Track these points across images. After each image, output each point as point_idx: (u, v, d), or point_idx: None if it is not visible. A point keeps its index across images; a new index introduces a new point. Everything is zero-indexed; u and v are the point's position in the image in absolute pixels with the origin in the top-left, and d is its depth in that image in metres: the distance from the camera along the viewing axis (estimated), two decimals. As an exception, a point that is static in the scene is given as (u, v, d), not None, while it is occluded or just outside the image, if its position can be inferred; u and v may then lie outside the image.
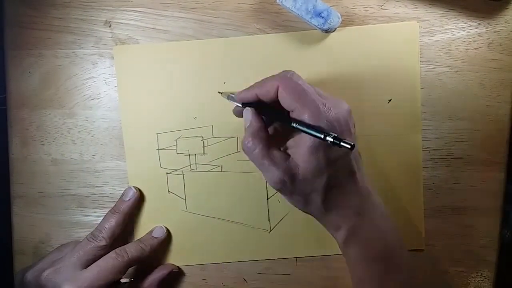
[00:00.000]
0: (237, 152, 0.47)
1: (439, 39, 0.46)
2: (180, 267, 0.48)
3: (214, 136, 0.47)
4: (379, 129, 0.46)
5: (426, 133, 0.46)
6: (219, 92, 0.43)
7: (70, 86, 0.47)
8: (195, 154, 0.47)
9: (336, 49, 0.46)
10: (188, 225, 0.47)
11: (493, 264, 0.47)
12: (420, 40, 0.46)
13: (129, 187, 0.46)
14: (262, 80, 0.38)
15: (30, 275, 0.42)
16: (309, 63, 0.46)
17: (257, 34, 0.46)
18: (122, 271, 0.42)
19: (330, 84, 0.46)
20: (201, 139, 0.47)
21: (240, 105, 0.40)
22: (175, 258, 0.48)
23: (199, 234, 0.47)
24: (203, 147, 0.47)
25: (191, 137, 0.47)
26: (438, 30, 0.46)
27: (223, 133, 0.47)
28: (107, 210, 0.46)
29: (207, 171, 0.47)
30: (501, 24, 0.45)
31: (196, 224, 0.47)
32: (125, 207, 0.45)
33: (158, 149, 0.47)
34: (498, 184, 0.47)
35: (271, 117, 0.39)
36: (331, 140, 0.33)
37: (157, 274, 0.45)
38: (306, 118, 0.34)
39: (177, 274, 0.48)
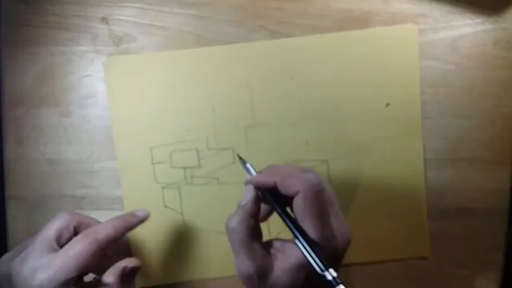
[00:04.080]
0: (233, 163, 0.46)
1: (445, 36, 0.45)
2: (179, 283, 0.47)
3: (209, 148, 0.46)
4: (377, 134, 0.45)
5: (431, 132, 0.45)
6: (237, 155, 0.40)
7: (66, 84, 0.46)
8: (190, 167, 0.46)
9: (333, 52, 0.45)
10: (186, 239, 0.46)
11: (500, 267, 0.46)
12: (426, 37, 0.45)
13: (145, 209, 0.42)
14: (287, 172, 0.34)
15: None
16: (307, 67, 0.45)
17: (249, 42, 0.45)
18: (102, 251, 0.37)
19: (328, 88, 0.45)
20: (196, 151, 0.46)
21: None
22: (173, 273, 0.46)
23: (197, 248, 0.46)
24: (199, 159, 0.46)
25: (186, 150, 0.46)
26: (443, 27, 0.45)
27: (218, 144, 0.46)
28: (104, 211, 0.45)
29: (204, 184, 0.46)
30: (508, 21, 0.45)
31: (194, 238, 0.46)
32: (133, 219, 0.41)
33: (152, 164, 0.46)
34: (505, 184, 0.46)
35: (279, 213, 0.34)
36: (330, 279, 0.30)
37: (119, 265, 0.40)
38: (310, 235, 0.32)
39: None
